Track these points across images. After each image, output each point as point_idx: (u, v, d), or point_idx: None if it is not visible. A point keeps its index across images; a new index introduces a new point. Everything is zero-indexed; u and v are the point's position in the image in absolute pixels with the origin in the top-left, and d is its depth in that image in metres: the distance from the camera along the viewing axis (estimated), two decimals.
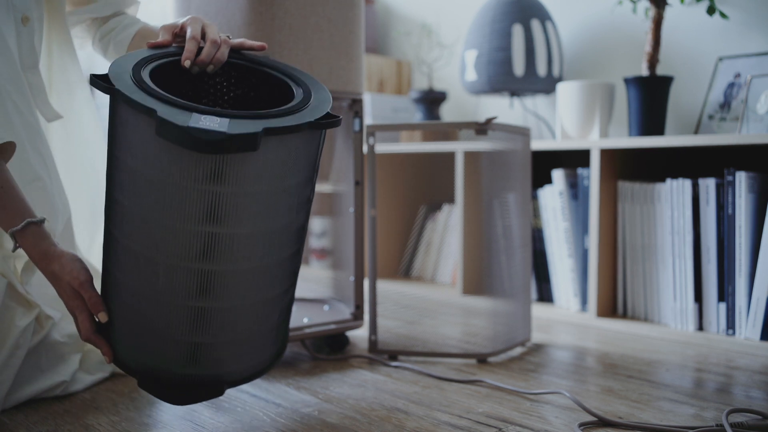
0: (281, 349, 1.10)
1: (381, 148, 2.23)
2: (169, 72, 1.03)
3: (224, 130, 0.84)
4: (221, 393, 1.02)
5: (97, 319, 1.00)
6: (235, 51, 1.09)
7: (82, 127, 1.31)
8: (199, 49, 1.05)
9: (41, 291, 1.14)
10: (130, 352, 1.00)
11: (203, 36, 1.06)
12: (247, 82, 1.09)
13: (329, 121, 0.95)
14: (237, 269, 0.94)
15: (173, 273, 0.93)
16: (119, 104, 0.92)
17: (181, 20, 1.09)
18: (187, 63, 1.03)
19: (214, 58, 1.05)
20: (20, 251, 1.08)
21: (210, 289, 0.94)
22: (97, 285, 1.03)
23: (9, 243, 1.09)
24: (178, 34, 1.08)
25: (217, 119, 0.87)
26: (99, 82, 0.91)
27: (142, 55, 1.01)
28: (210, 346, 0.97)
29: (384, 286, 2.23)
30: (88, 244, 1.35)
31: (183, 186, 0.89)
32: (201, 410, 1.11)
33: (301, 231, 1.02)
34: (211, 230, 0.91)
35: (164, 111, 0.86)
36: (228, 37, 1.08)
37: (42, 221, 1.01)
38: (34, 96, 1.16)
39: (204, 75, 1.08)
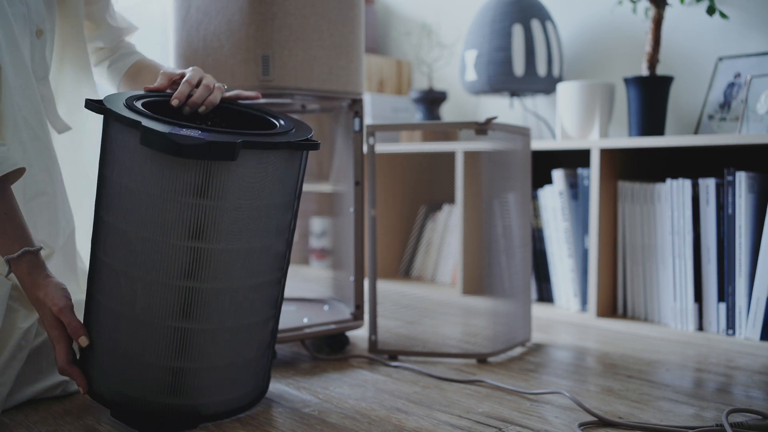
0: (262, 390, 1.10)
1: (381, 148, 2.23)
2: (162, 110, 1.06)
3: (204, 137, 0.90)
4: (195, 426, 1.02)
5: (77, 346, 1.02)
6: (230, 101, 1.14)
7: (90, 139, 1.31)
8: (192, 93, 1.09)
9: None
10: (108, 381, 1.00)
11: (198, 83, 1.10)
12: (237, 121, 1.13)
13: (307, 142, 0.99)
14: (217, 288, 0.96)
15: (154, 291, 0.95)
16: (109, 124, 0.97)
17: (182, 70, 1.13)
18: (175, 102, 1.06)
19: (206, 100, 1.08)
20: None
21: (191, 309, 0.95)
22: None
23: (3, 267, 1.09)
24: (176, 81, 1.12)
25: (198, 131, 0.93)
26: (92, 104, 0.98)
27: (137, 93, 1.07)
28: (189, 372, 0.98)
29: (384, 286, 2.23)
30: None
31: (166, 199, 0.93)
32: None
33: (281, 260, 1.04)
34: (192, 245, 0.94)
35: (149, 123, 0.92)
36: (224, 87, 1.13)
37: (39, 250, 1.04)
38: (45, 108, 1.17)
39: (195, 116, 1.10)
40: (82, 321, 1.04)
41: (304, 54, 1.30)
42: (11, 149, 1.07)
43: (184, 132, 0.91)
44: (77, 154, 1.30)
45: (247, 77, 1.27)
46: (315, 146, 1.00)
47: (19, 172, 1.05)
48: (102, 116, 0.97)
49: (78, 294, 1.20)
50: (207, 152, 0.89)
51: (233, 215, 0.94)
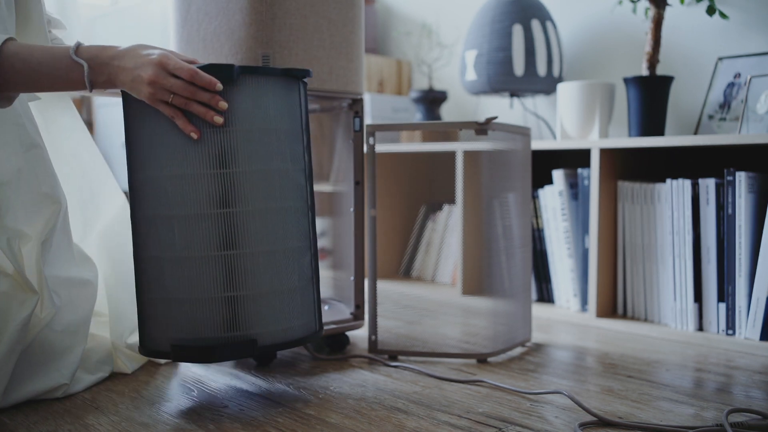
0: (314, 330, 1.17)
1: (381, 148, 2.23)
2: None
3: (205, 64, 1.06)
4: (254, 354, 1.10)
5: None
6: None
7: (61, 116, 1.31)
8: None
9: (52, 274, 1.14)
10: (166, 331, 1.08)
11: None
12: None
13: (299, 69, 1.13)
14: (247, 211, 1.07)
15: (190, 225, 1.05)
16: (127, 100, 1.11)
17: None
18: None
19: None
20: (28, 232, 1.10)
21: (227, 235, 1.05)
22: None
23: (13, 222, 1.08)
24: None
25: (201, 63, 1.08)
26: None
27: None
28: (237, 300, 1.06)
29: (384, 286, 2.23)
30: (81, 234, 1.35)
31: (185, 135, 1.05)
32: (200, 410, 1.11)
33: (303, 191, 1.14)
34: (216, 172, 1.05)
35: None
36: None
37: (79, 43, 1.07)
38: None
39: None
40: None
41: (305, 54, 1.30)
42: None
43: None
44: (49, 134, 1.30)
45: None
46: (306, 73, 1.13)
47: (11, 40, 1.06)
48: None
49: (81, 272, 1.19)
50: (210, 73, 1.04)
51: (247, 138, 1.06)
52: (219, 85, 1.04)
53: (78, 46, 1.07)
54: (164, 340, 1.09)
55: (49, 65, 1.05)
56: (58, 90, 1.10)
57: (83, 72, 1.05)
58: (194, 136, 1.04)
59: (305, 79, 1.16)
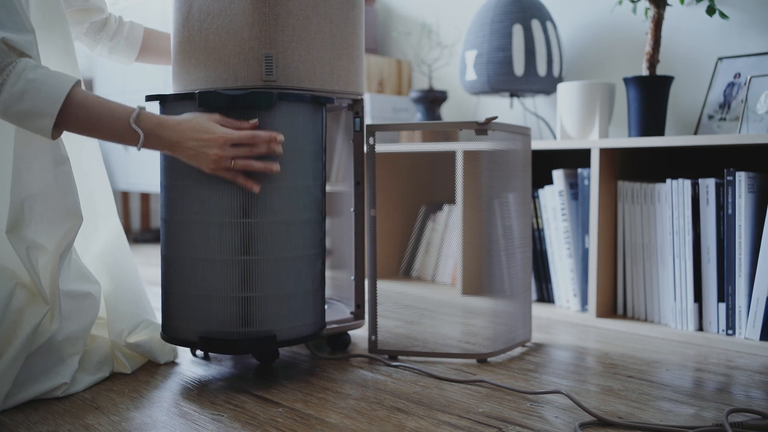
0: (321, 326, 1.30)
1: (381, 148, 2.23)
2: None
3: (248, 91, 1.18)
4: (273, 347, 1.20)
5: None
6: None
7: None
8: None
9: (66, 288, 1.16)
10: (193, 323, 1.20)
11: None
12: None
13: (325, 96, 1.28)
14: (272, 221, 1.19)
15: (221, 230, 1.17)
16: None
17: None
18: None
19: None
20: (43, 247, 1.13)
21: (250, 242, 1.17)
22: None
23: (34, 234, 1.11)
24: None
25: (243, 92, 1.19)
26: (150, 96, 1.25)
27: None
28: (262, 300, 1.18)
29: (384, 286, 2.23)
30: (81, 250, 1.36)
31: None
32: (201, 410, 1.11)
33: (320, 204, 1.28)
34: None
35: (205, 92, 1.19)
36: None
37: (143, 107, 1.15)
38: None
39: None
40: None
41: (307, 54, 1.30)
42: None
43: (231, 91, 1.18)
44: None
45: (249, 77, 1.27)
46: (330, 100, 1.28)
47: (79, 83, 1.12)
48: None
49: (82, 286, 1.20)
50: (252, 101, 1.17)
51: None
52: (280, 137, 1.16)
53: (139, 114, 1.12)
54: (191, 332, 1.20)
55: (108, 123, 1.11)
56: (108, 141, 1.17)
57: (139, 140, 1.12)
58: (256, 189, 1.16)
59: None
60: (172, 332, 1.24)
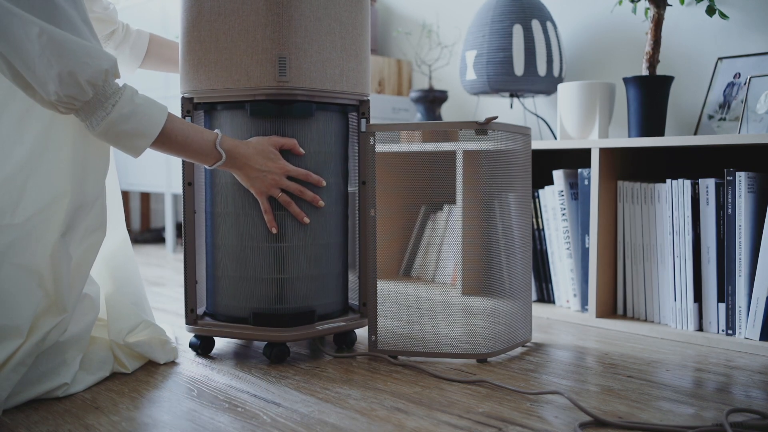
0: (346, 306, 1.47)
1: (381, 148, 2.23)
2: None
3: (293, 104, 1.33)
4: (312, 322, 1.36)
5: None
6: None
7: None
8: None
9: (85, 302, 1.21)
10: (236, 300, 1.36)
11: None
12: None
13: (352, 105, 1.42)
14: (307, 211, 1.33)
15: (259, 221, 1.32)
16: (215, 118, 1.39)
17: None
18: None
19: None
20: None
21: (295, 231, 1.33)
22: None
23: (75, 244, 1.16)
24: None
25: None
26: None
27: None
28: (303, 279, 1.35)
29: (384, 286, 2.23)
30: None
31: None
32: (201, 410, 1.11)
33: (345, 198, 1.44)
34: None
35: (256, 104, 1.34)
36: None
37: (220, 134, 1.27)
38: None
39: None
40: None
41: (318, 55, 1.31)
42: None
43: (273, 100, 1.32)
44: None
45: (262, 78, 1.28)
46: (356, 109, 1.43)
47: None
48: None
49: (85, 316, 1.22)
50: (296, 110, 1.32)
51: (314, 159, 1.36)
52: (323, 182, 1.34)
53: (222, 137, 1.26)
54: (243, 309, 1.35)
55: (198, 144, 1.23)
56: (185, 159, 1.28)
57: (220, 160, 1.25)
58: (306, 221, 1.32)
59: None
60: (220, 310, 1.38)
